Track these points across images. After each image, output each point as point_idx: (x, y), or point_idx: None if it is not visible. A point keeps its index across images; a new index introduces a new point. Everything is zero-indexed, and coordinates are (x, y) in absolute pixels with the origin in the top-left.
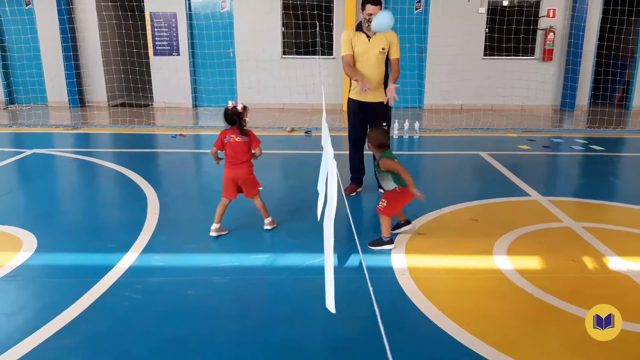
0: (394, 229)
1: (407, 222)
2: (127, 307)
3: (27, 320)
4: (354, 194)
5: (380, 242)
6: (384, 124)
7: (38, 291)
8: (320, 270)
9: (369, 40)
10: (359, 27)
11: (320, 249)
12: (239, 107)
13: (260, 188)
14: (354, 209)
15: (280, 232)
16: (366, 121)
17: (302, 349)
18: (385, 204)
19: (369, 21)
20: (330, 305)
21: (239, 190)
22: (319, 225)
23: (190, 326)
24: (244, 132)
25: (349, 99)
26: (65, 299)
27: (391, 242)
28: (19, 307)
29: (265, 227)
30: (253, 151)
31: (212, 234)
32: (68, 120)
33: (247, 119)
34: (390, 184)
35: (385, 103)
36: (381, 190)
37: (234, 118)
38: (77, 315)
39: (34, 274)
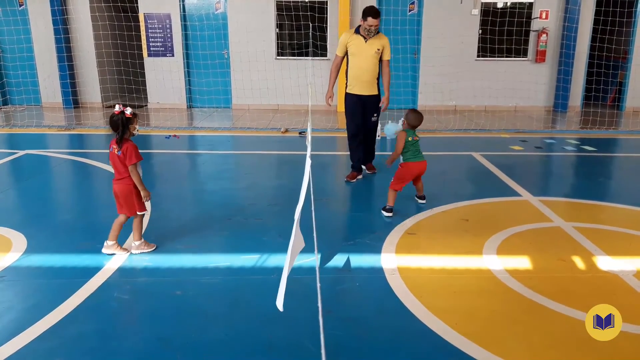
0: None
1: (422, 198)
2: (115, 307)
3: (13, 322)
4: (354, 180)
5: (384, 208)
6: (375, 114)
7: (25, 292)
8: (310, 271)
9: (365, 42)
10: (357, 31)
11: (310, 249)
12: (127, 112)
13: (139, 213)
14: (350, 208)
15: (271, 232)
16: (363, 113)
17: (289, 349)
18: (392, 180)
19: (368, 31)
20: (279, 303)
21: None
22: (310, 226)
23: (177, 326)
24: (121, 145)
25: (347, 94)
26: (53, 299)
27: (390, 211)
28: (5, 308)
29: (132, 250)
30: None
31: (104, 250)
32: (62, 121)
33: (136, 127)
34: (400, 157)
35: (380, 105)
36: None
37: (118, 124)
38: (64, 316)
39: (22, 275)
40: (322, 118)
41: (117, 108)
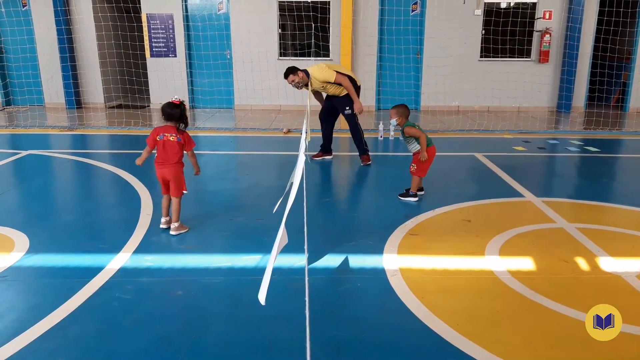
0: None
1: (421, 189)
2: (116, 307)
3: (15, 321)
4: (318, 159)
5: (407, 194)
6: (347, 107)
7: (28, 292)
8: (311, 271)
9: (309, 89)
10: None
11: (311, 250)
12: (185, 104)
13: (185, 192)
14: (352, 209)
15: (273, 233)
16: (332, 105)
17: (290, 350)
18: (415, 167)
19: (296, 86)
20: (262, 297)
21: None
22: (312, 226)
23: (178, 327)
24: (181, 131)
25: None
26: (55, 299)
27: (415, 196)
28: (7, 308)
29: (171, 232)
30: (186, 152)
31: (162, 226)
32: (65, 122)
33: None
34: (414, 146)
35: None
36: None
37: (181, 114)
38: (66, 316)
39: (24, 275)
40: None
41: (175, 98)
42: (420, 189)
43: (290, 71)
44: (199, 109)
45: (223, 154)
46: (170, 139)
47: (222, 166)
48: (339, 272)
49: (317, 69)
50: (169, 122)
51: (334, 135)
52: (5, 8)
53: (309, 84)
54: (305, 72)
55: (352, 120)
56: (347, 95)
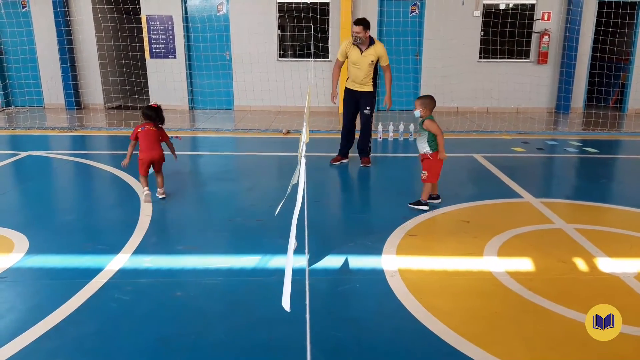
0: (430, 199)
1: (438, 197)
2: (115, 308)
3: (14, 322)
4: (337, 163)
5: (419, 203)
6: (368, 107)
7: (27, 293)
8: (310, 272)
9: (361, 53)
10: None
11: (310, 250)
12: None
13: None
14: (351, 209)
15: (272, 234)
16: (356, 104)
17: (289, 350)
18: (427, 174)
19: (355, 38)
20: (286, 303)
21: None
22: (311, 227)
23: (177, 327)
24: (158, 127)
25: (345, 88)
26: (54, 300)
27: (427, 204)
28: (6, 309)
29: (159, 195)
30: (165, 142)
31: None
32: (64, 123)
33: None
34: (423, 144)
35: (384, 106)
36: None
37: (157, 114)
38: (65, 317)
39: (24, 276)
40: (323, 119)
41: (153, 102)
42: (437, 197)
43: (365, 24)
44: (199, 110)
45: (222, 154)
46: (151, 129)
47: (222, 167)
48: (338, 272)
49: (382, 45)
50: (148, 121)
51: (328, 137)
52: (5, 9)
53: (361, 53)
54: (371, 37)
55: (368, 122)
56: (371, 93)
